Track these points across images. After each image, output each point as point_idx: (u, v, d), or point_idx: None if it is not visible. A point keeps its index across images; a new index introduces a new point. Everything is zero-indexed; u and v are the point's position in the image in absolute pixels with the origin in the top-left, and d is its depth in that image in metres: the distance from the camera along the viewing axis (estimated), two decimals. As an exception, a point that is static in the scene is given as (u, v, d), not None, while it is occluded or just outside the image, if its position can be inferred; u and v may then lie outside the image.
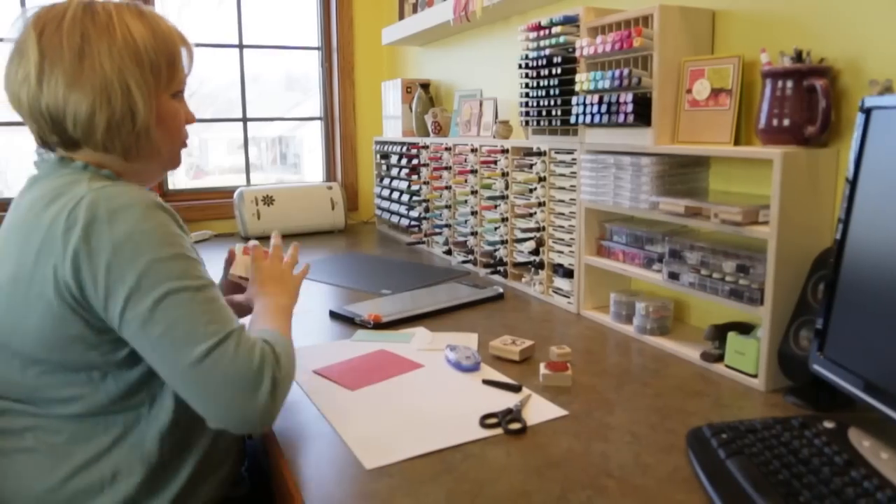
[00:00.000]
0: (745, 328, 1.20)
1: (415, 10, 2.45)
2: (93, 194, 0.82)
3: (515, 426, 0.96)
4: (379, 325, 1.44)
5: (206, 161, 3.17)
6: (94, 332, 0.83)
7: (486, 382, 1.13)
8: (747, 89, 1.22)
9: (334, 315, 1.53)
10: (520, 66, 1.59)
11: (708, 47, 1.31)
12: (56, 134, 0.88)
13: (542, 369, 1.13)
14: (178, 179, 2.89)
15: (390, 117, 2.67)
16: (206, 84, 2.89)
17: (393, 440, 0.93)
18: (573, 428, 0.97)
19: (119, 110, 0.87)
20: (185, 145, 1.02)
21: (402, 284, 1.81)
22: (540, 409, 1.03)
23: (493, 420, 0.98)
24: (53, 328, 0.83)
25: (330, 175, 3.10)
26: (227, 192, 2.74)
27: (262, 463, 1.17)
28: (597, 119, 1.34)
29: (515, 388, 1.10)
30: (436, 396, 1.08)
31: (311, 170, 3.18)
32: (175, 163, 1.02)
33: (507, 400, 1.06)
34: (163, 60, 0.91)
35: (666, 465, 0.86)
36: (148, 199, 0.84)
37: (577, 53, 1.40)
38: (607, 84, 1.31)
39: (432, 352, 1.29)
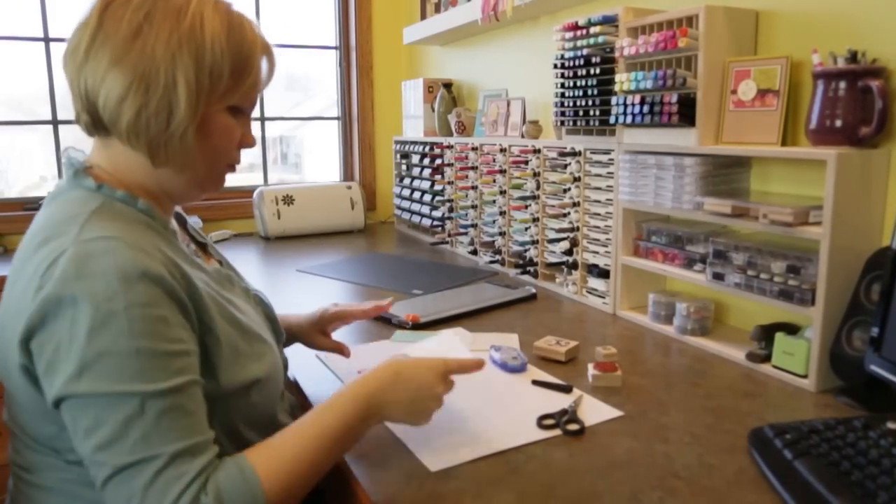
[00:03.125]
0: (791, 329, 1.20)
1: (437, 10, 2.44)
2: (73, 249, 0.71)
3: (573, 427, 0.96)
4: (417, 326, 1.44)
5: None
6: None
7: (536, 383, 1.13)
8: (793, 90, 1.22)
9: (370, 315, 1.53)
10: (555, 66, 1.58)
11: (751, 48, 1.31)
12: (88, 113, 0.80)
13: (592, 370, 1.13)
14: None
15: (411, 117, 2.66)
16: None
17: (452, 442, 0.93)
18: (631, 429, 0.97)
19: (155, 103, 0.76)
20: (231, 169, 0.90)
21: (432, 284, 1.80)
22: (594, 410, 1.03)
23: (551, 421, 0.98)
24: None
25: (347, 175, 3.10)
26: (247, 192, 2.73)
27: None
28: (638, 119, 1.34)
29: (566, 389, 1.10)
30: (487, 397, 1.08)
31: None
32: (215, 184, 0.89)
33: (558, 400, 1.06)
34: (227, 66, 0.79)
35: (731, 465, 0.86)
36: (137, 266, 0.71)
37: (617, 53, 1.40)
38: (650, 84, 1.31)
39: (475, 352, 1.28)
